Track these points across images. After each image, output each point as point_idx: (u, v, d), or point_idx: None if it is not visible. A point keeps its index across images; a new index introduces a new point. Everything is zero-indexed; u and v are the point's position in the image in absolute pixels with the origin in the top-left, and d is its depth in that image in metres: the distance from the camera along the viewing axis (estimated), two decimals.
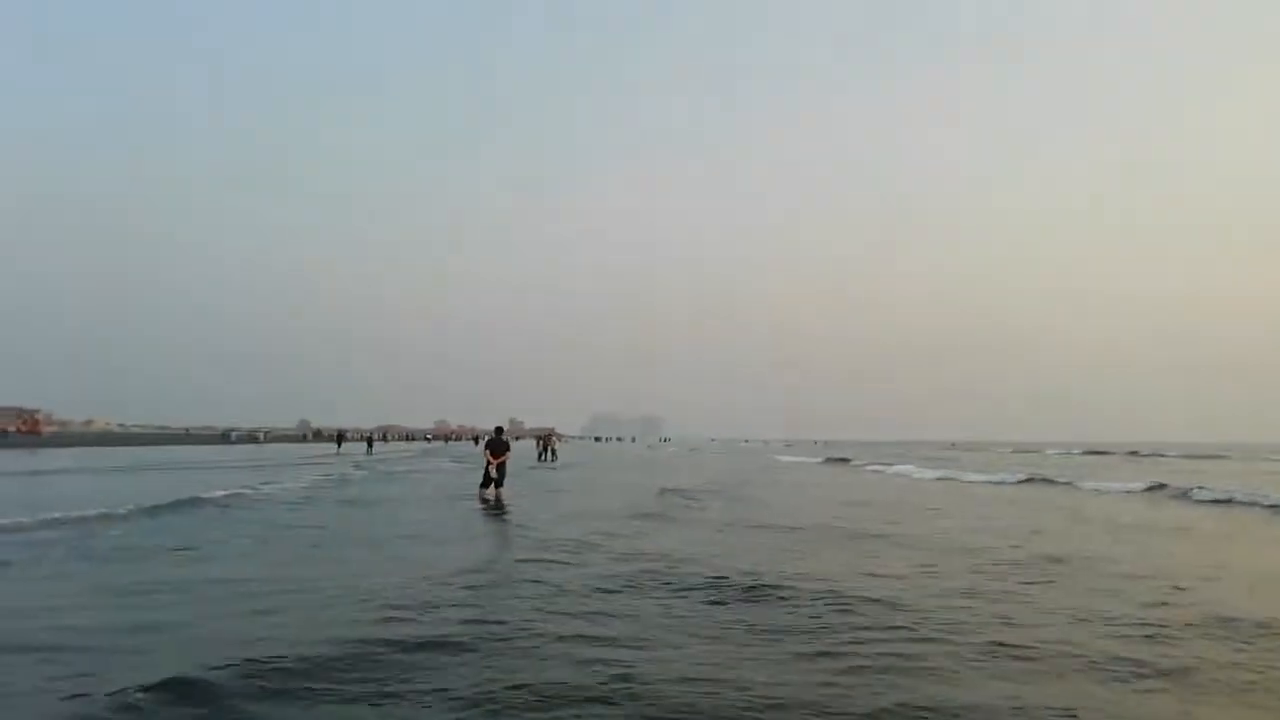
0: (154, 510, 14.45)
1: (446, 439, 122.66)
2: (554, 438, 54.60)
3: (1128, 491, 23.62)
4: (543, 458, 43.83)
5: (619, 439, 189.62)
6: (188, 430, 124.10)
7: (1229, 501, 18.69)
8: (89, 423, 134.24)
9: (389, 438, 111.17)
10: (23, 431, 79.06)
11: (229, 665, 4.83)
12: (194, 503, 15.91)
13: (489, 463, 17.97)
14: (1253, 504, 17.94)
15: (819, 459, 54.64)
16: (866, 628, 6.15)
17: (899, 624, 6.26)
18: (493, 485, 17.82)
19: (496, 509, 16.07)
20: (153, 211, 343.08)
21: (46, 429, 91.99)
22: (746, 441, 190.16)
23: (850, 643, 5.71)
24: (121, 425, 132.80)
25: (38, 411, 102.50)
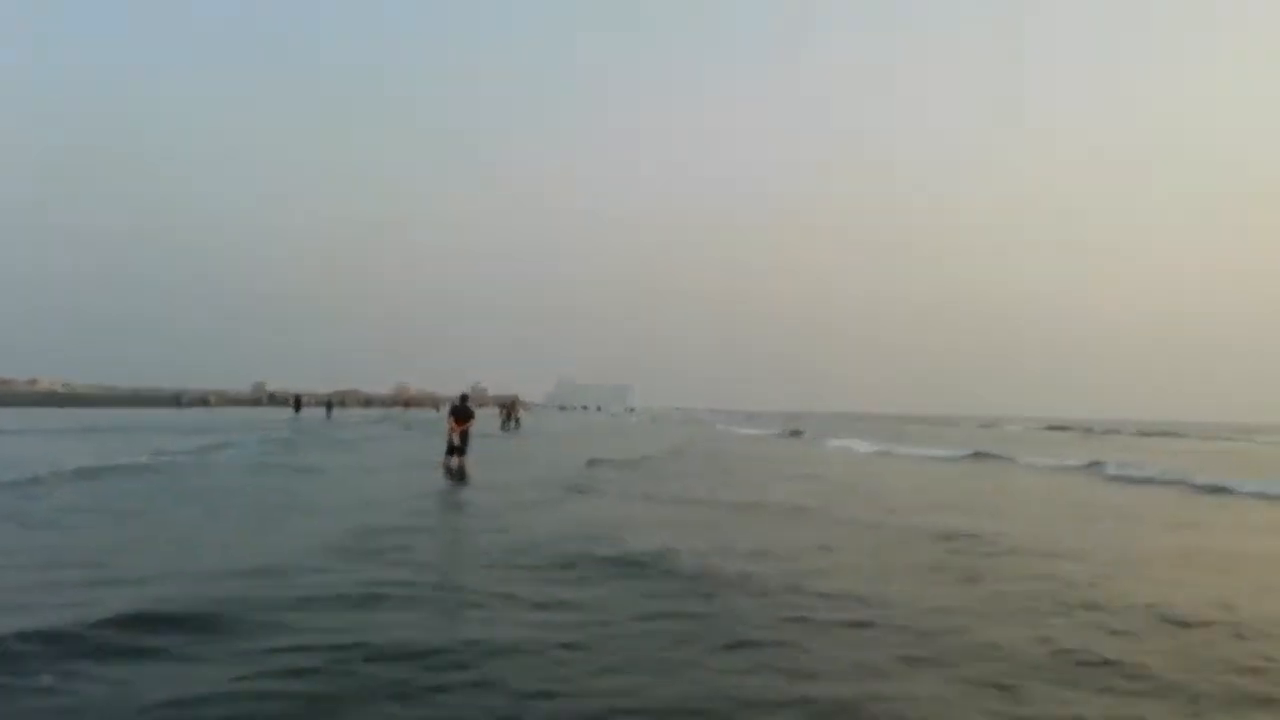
0: (94, 473, 14.39)
1: (406, 405, 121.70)
2: (518, 406, 54.48)
3: (1060, 468, 24.75)
4: (506, 426, 43.84)
5: (584, 407, 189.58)
6: (136, 392, 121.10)
7: (1149, 481, 19.87)
8: (33, 381, 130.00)
9: (346, 403, 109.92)
10: None
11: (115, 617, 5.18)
12: (138, 468, 15.83)
13: (452, 430, 17.60)
14: (1169, 484, 19.17)
15: (775, 431, 55.91)
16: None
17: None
18: (456, 454, 17.61)
19: (457, 478, 16.11)
20: (125, 170, 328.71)
21: None
22: (712, 411, 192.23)
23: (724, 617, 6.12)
24: (67, 385, 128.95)
25: None
